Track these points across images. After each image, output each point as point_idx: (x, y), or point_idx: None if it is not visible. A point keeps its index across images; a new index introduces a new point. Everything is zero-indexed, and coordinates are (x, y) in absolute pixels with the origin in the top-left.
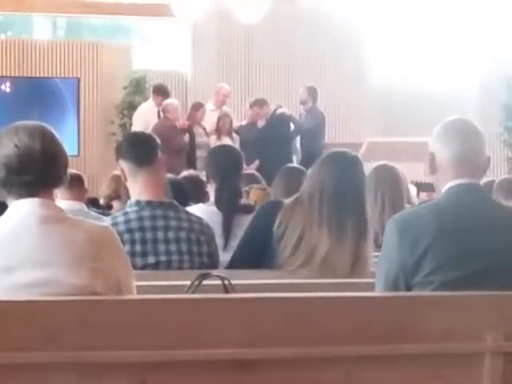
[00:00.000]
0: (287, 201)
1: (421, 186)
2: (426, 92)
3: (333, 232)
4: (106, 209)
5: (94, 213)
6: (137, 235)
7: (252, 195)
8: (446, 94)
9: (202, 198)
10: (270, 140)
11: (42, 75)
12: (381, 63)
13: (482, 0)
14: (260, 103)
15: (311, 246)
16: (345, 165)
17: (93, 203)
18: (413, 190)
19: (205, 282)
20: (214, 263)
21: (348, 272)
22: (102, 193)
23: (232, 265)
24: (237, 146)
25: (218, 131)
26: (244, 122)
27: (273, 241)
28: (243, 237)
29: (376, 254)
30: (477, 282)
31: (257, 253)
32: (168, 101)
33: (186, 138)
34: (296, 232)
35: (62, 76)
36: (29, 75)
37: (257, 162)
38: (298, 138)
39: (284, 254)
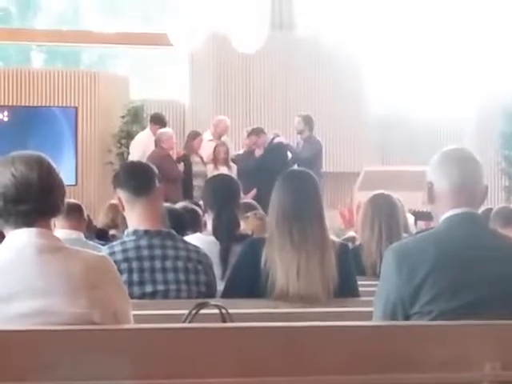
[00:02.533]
0: (266, 236)
1: (418, 215)
2: (423, 121)
3: (302, 257)
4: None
5: (91, 242)
6: (134, 264)
7: (249, 225)
8: (444, 122)
9: (198, 227)
10: (267, 169)
11: (39, 104)
12: (379, 93)
13: (478, 30)
14: (257, 132)
15: (287, 278)
16: (296, 181)
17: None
18: (410, 218)
19: (202, 311)
20: (211, 292)
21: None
22: (99, 222)
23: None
24: (234, 174)
25: (215, 160)
26: (241, 151)
27: (261, 279)
28: (230, 275)
29: (374, 282)
30: (475, 311)
31: (244, 291)
32: (162, 130)
33: (181, 167)
34: (279, 267)
35: (60, 105)
36: (26, 104)
37: (254, 191)
38: (296, 167)
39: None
